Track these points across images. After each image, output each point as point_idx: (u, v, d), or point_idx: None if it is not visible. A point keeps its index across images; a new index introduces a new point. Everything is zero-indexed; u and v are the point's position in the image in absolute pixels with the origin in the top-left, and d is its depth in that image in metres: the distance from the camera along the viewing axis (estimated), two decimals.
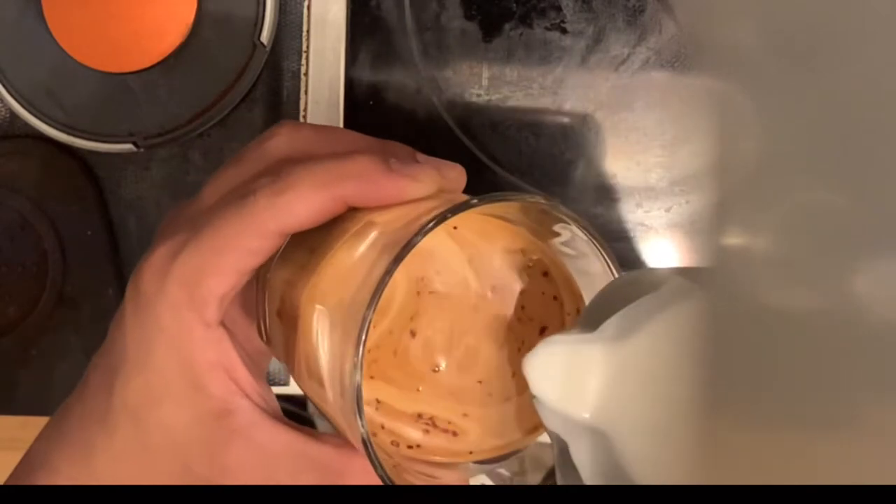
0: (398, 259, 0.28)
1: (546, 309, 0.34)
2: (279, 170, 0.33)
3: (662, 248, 0.52)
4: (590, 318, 0.31)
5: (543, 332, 0.34)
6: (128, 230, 0.52)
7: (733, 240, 0.22)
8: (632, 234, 0.52)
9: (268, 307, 0.36)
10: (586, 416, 0.29)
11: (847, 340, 0.21)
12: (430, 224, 0.29)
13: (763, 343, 0.22)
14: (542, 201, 0.31)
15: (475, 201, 0.29)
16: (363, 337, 0.28)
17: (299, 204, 0.32)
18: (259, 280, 0.37)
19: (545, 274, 0.34)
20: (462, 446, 0.34)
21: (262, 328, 0.36)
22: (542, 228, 0.33)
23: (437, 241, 0.33)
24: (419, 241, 0.28)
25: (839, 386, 0.21)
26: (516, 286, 0.34)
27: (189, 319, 0.32)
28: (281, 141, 0.36)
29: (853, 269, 0.20)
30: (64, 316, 0.52)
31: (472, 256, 0.33)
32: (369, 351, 0.33)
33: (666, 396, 0.27)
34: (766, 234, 0.22)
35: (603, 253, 0.32)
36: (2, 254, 0.51)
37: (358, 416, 0.29)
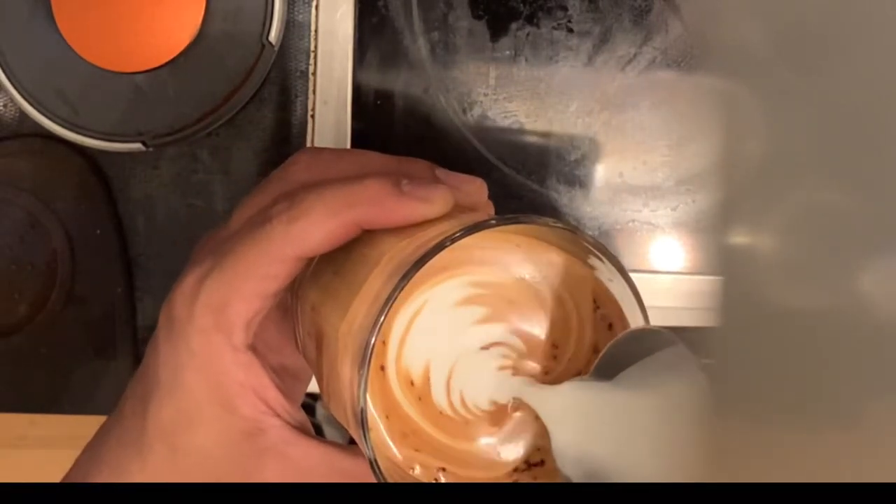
0: (396, 290, 0.29)
1: (597, 332, 0.34)
2: (294, 195, 0.33)
3: (669, 246, 0.52)
4: (604, 368, 0.31)
5: (596, 351, 0.34)
6: (136, 229, 0.52)
7: (739, 239, 0.23)
8: (638, 233, 0.52)
9: (301, 324, 0.36)
10: (597, 456, 0.30)
11: (853, 339, 0.21)
12: (428, 254, 0.29)
13: (768, 341, 0.22)
14: (551, 222, 0.31)
15: (480, 225, 0.30)
16: (367, 360, 0.29)
17: (313, 230, 0.32)
18: (293, 295, 0.37)
19: (595, 303, 0.34)
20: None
21: (298, 341, 0.37)
22: (577, 249, 0.33)
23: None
24: (416, 272, 0.29)
25: (845, 384, 0.21)
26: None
27: (218, 344, 0.33)
28: (301, 167, 0.37)
29: (859, 268, 0.20)
30: (73, 314, 0.52)
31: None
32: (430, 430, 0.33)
33: (669, 449, 0.28)
34: (772, 233, 0.22)
35: (619, 272, 0.32)
36: (11, 253, 0.51)
37: (364, 439, 0.30)
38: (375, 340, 0.29)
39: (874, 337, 0.20)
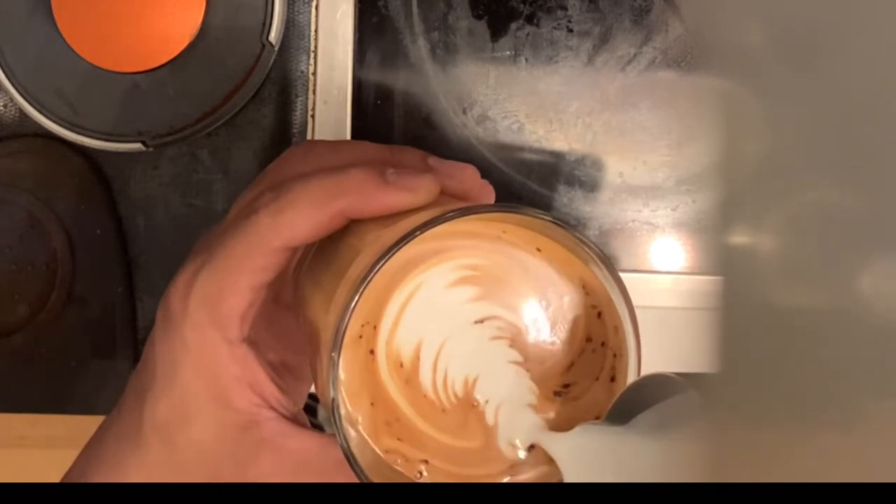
0: (369, 275, 0.29)
1: (588, 320, 0.34)
2: (281, 187, 0.33)
3: (669, 246, 0.52)
4: (617, 412, 0.32)
5: (589, 340, 0.34)
6: (136, 229, 0.52)
7: (739, 238, 0.23)
8: (638, 233, 0.52)
9: (299, 319, 0.37)
10: None
11: (852, 339, 0.21)
12: (398, 242, 0.29)
13: (768, 341, 0.22)
14: (532, 212, 0.31)
15: (455, 213, 0.30)
16: (338, 344, 0.29)
17: (299, 221, 0.33)
18: (294, 284, 0.37)
19: (584, 290, 0.34)
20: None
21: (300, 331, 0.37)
22: (564, 238, 0.33)
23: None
24: (386, 260, 0.29)
25: (845, 384, 0.21)
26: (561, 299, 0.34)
27: (213, 338, 0.33)
28: (296, 160, 0.37)
29: (859, 268, 0.20)
30: (73, 314, 0.52)
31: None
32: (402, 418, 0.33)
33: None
34: (772, 232, 0.22)
35: (602, 262, 0.32)
36: (11, 252, 0.51)
37: (337, 430, 0.30)
38: (346, 324, 0.29)
39: (874, 337, 0.20)
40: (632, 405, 0.31)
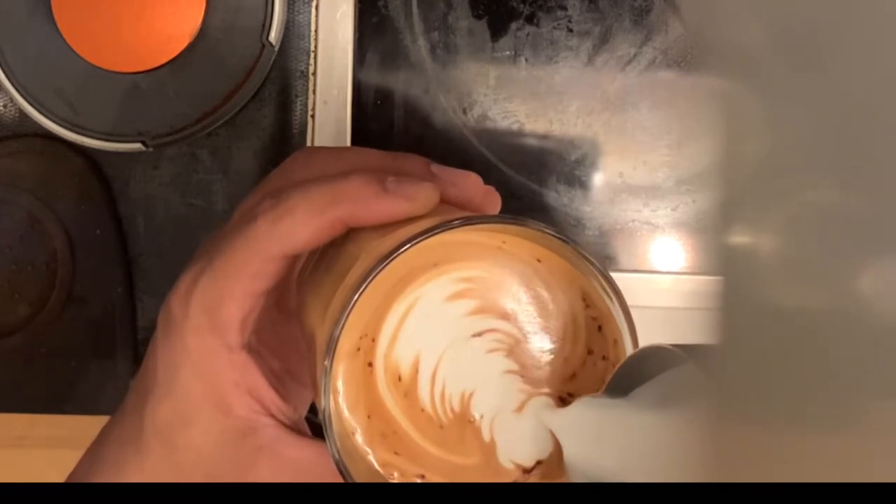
0: (363, 284, 0.29)
1: (588, 333, 0.34)
2: (281, 193, 0.33)
3: (669, 246, 0.52)
4: (618, 384, 0.32)
5: (590, 353, 0.34)
6: (136, 229, 0.52)
7: (739, 239, 0.23)
8: (638, 233, 0.52)
9: (300, 326, 0.37)
10: (608, 471, 0.30)
11: (853, 339, 0.21)
12: (390, 253, 0.29)
13: (768, 341, 0.22)
14: (529, 224, 0.31)
15: (449, 225, 0.30)
16: (331, 353, 0.29)
17: (298, 228, 0.33)
18: (296, 291, 0.37)
19: (585, 302, 0.34)
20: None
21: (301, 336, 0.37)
22: (562, 249, 0.33)
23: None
24: (379, 271, 0.29)
25: (845, 385, 0.21)
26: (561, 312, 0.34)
27: (212, 343, 0.33)
28: (298, 165, 0.37)
29: (859, 269, 0.20)
30: (73, 315, 0.52)
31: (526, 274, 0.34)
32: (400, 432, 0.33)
33: (677, 466, 0.28)
34: (772, 233, 0.22)
35: (600, 274, 0.32)
36: (11, 253, 0.51)
37: (329, 440, 0.30)
38: (340, 332, 0.29)
39: (874, 337, 0.20)
40: (631, 377, 0.31)
